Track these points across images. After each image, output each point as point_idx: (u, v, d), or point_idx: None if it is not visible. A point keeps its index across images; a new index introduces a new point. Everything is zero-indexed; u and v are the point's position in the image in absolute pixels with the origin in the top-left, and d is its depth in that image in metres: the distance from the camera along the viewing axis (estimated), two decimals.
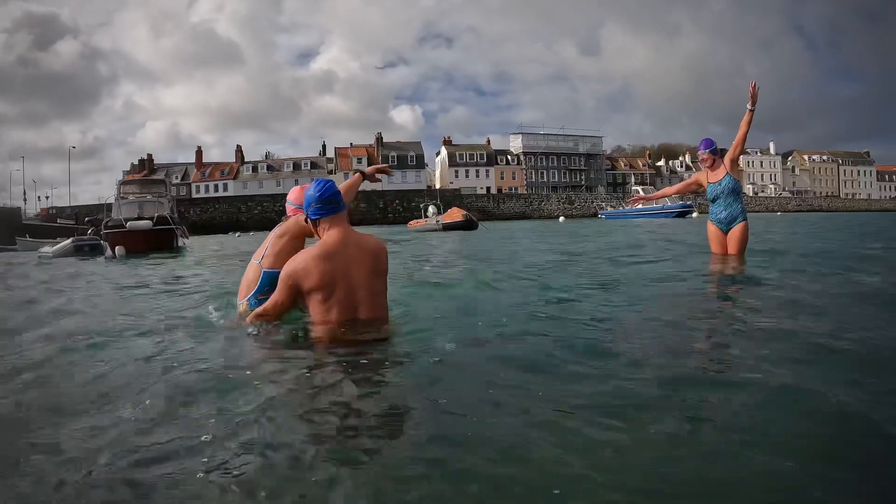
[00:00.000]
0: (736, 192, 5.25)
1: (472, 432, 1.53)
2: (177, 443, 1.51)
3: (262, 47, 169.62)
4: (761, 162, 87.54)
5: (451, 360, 2.20)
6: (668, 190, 6.20)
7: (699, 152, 5.42)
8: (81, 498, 1.29)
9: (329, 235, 2.50)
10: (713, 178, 5.35)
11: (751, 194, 76.08)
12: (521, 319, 3.04)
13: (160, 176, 62.71)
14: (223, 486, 1.28)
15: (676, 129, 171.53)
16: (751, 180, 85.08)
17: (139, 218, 14.53)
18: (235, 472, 1.34)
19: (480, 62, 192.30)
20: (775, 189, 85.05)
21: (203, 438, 1.52)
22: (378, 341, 2.39)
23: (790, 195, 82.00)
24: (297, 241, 2.97)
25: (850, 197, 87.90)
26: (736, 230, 5.26)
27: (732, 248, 5.28)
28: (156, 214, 14.70)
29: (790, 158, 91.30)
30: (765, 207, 69.58)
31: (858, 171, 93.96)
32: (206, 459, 1.41)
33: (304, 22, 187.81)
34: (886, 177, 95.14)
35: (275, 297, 2.53)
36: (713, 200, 5.37)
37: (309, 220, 2.56)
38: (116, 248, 13.40)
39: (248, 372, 2.11)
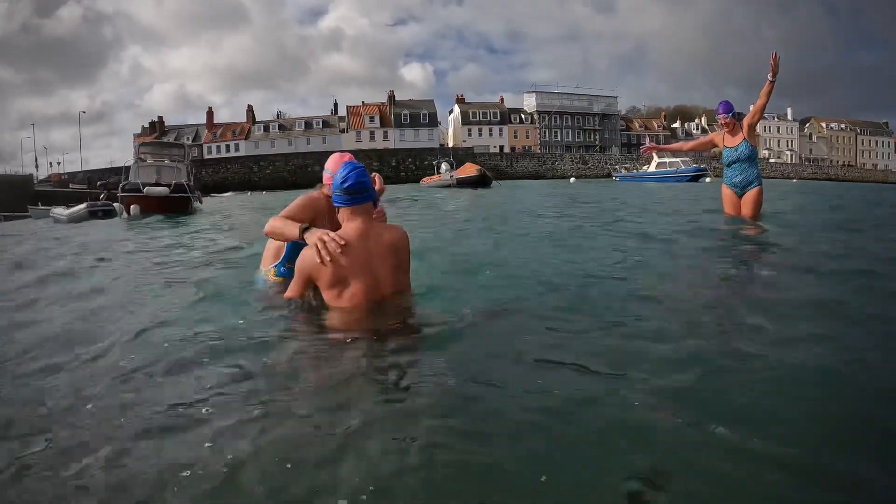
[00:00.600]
0: (752, 158, 5.30)
1: (495, 420, 1.50)
2: (185, 418, 1.52)
3: (268, 5, 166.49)
4: (778, 128, 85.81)
5: (482, 351, 2.08)
6: (683, 144, 6.14)
7: (718, 116, 5.41)
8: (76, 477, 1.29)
9: (347, 227, 2.33)
10: (730, 142, 5.37)
11: (764, 159, 74.97)
12: (539, 287, 2.99)
13: (171, 138, 62.71)
14: (238, 464, 1.27)
15: (692, 90, 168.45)
16: (767, 146, 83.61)
17: (157, 184, 14.44)
18: (250, 451, 1.33)
19: (492, 20, 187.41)
20: (791, 156, 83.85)
21: (221, 420, 1.49)
22: (403, 332, 2.21)
23: (806, 162, 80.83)
24: (316, 214, 2.79)
25: (867, 167, 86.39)
26: (750, 194, 5.31)
27: (746, 211, 5.32)
28: (173, 182, 14.62)
29: (808, 125, 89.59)
30: (780, 174, 68.53)
31: (877, 142, 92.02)
32: (226, 438, 1.40)
33: None
34: None
35: (292, 287, 2.43)
36: (728, 165, 5.40)
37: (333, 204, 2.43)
38: (131, 206, 13.71)
39: (267, 358, 2.02)
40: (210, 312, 2.65)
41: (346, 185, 2.30)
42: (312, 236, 2.30)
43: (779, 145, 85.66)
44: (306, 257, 2.30)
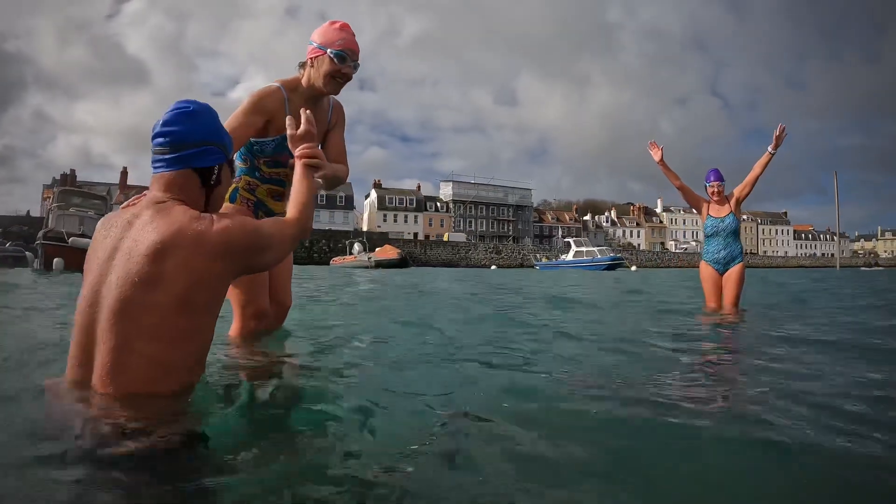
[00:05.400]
0: (736, 233, 4.93)
1: None
2: None
3: (176, 70, 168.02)
4: (684, 220, 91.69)
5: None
6: (680, 184, 4.99)
7: (710, 182, 4.91)
8: None
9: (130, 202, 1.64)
10: (716, 212, 4.95)
11: (674, 250, 78.84)
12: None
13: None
14: None
15: (596, 183, 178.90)
16: (674, 237, 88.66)
17: (82, 235, 13.89)
18: None
19: (398, 108, 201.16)
20: (698, 246, 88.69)
21: None
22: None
23: None
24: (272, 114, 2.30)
25: (769, 254, 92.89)
26: (734, 271, 4.84)
27: (729, 292, 4.83)
28: None
29: None
30: (687, 263, 72.01)
31: (777, 231, 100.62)
32: None
33: (220, 50, 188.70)
34: (802, 235, 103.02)
35: None
36: (711, 236, 4.98)
37: None
38: (55, 260, 13.01)
39: None
40: None
41: (152, 134, 1.52)
42: None
43: (685, 236, 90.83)
44: None
